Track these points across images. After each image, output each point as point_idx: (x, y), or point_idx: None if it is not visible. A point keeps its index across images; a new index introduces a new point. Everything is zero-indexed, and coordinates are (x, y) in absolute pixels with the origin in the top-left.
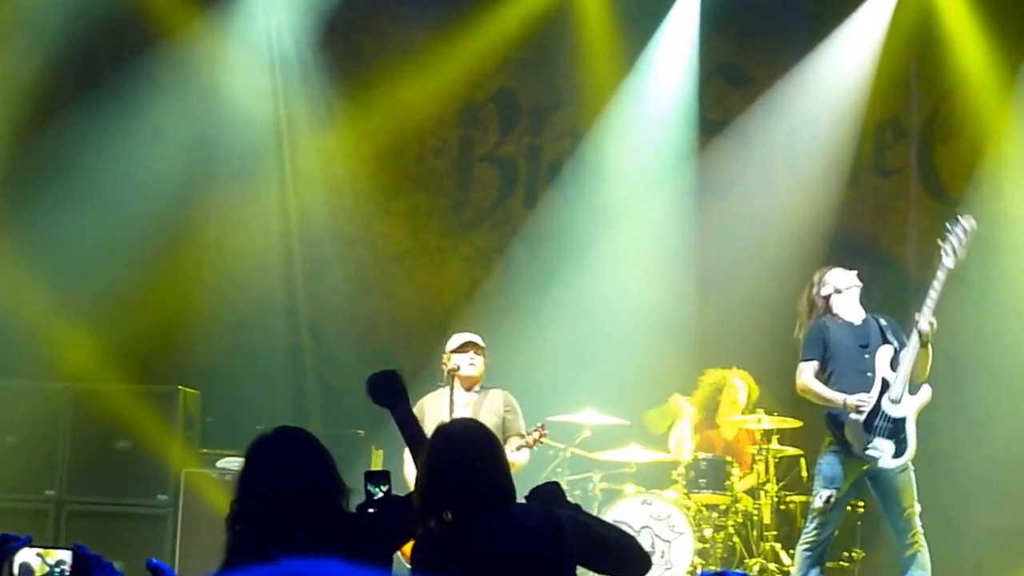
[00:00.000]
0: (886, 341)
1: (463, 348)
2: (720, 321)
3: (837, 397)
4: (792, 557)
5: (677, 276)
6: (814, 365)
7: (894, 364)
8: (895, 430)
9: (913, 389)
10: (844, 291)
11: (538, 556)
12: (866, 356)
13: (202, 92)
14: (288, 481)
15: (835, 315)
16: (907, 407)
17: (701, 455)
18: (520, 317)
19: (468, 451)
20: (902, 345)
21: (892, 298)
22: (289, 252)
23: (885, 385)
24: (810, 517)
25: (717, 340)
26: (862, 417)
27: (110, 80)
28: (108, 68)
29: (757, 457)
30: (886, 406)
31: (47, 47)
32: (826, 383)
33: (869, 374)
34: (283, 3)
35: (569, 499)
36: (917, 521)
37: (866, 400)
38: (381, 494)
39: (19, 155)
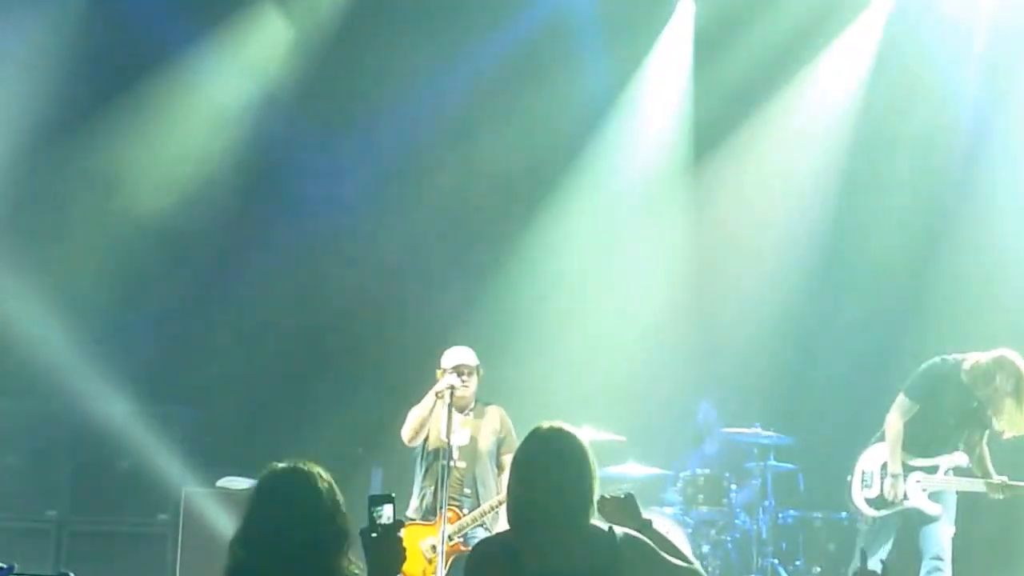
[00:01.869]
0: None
1: (457, 369)
2: (719, 336)
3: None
4: (790, 573)
5: (675, 291)
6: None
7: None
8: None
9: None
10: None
11: (597, 569)
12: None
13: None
14: (291, 524)
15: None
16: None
17: (699, 470)
18: (517, 332)
19: (558, 465)
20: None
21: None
22: (290, 270)
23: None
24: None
25: (716, 356)
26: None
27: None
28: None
29: (755, 472)
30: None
31: None
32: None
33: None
34: None
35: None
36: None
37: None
38: (385, 519)
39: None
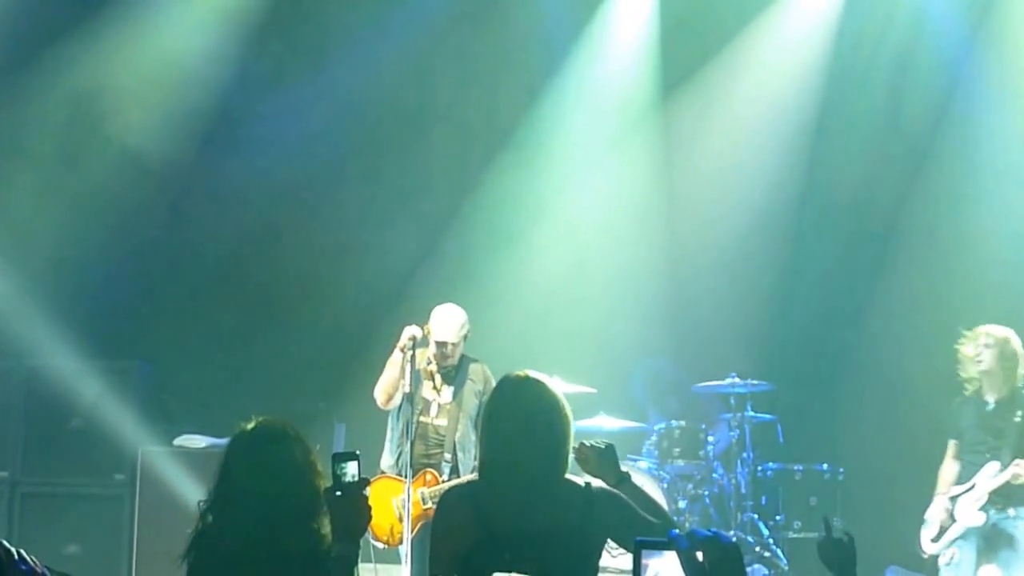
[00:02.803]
0: None
1: (437, 344)
2: (691, 282)
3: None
4: (770, 528)
5: (644, 236)
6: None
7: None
8: None
9: None
10: None
11: (560, 533)
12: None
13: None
14: (266, 486)
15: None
16: None
17: (675, 423)
18: (479, 283)
19: (530, 416)
20: None
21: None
22: (246, 218)
23: None
24: None
25: (688, 303)
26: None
27: None
28: None
29: (732, 424)
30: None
31: None
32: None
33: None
34: None
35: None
36: None
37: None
38: (350, 477)
39: None
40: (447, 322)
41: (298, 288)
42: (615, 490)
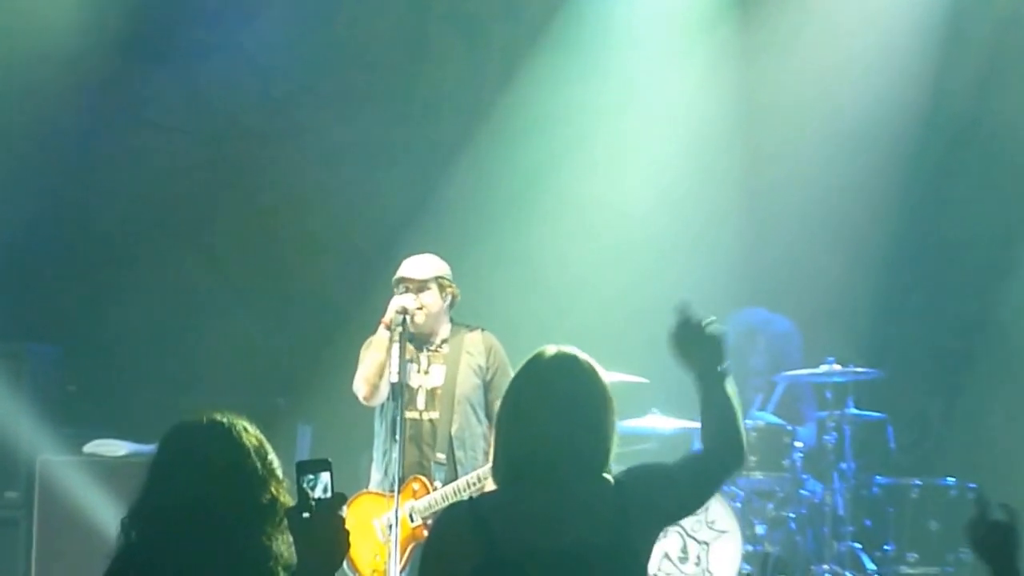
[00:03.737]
0: None
1: (402, 284)
2: (774, 240)
3: None
4: (877, 561)
5: (709, 179)
6: None
7: None
8: None
9: None
10: None
11: (589, 553)
12: None
13: None
14: (208, 495)
15: None
16: None
17: (752, 420)
18: (494, 235)
19: (569, 403)
20: None
21: None
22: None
23: None
24: None
25: (770, 267)
26: None
27: None
28: None
29: (828, 424)
30: None
31: None
32: None
33: None
34: None
35: None
36: None
37: None
38: (320, 492)
39: None
40: (411, 260)
41: (252, 250)
42: (651, 467)
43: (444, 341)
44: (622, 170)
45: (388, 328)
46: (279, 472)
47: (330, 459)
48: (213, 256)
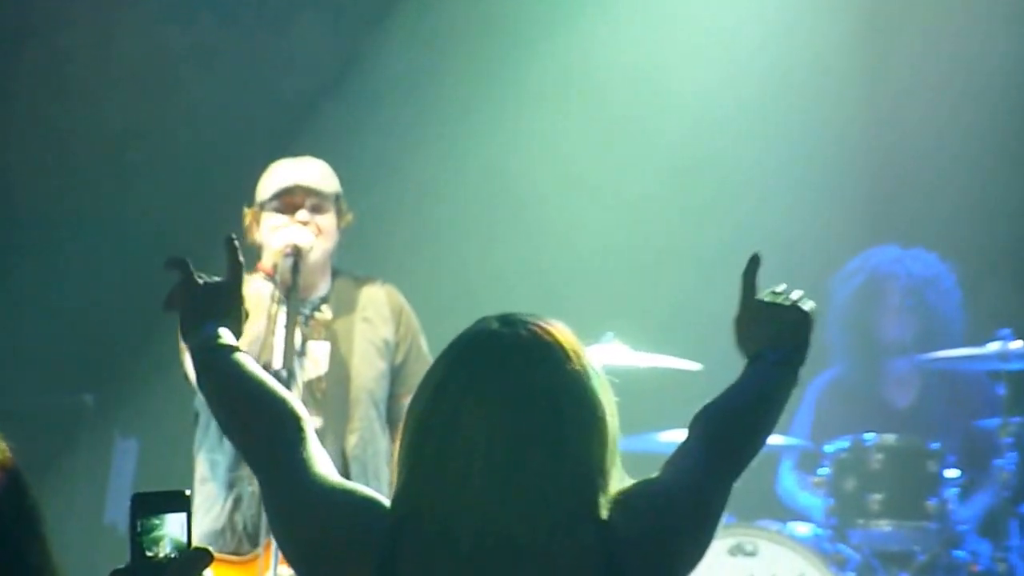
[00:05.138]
0: None
1: (286, 199)
2: (908, 168)
3: None
4: None
5: (752, 101)
6: None
7: None
8: None
9: None
10: None
11: None
12: None
13: None
14: None
15: None
16: None
17: (872, 437)
18: (463, 166)
19: (526, 432)
20: None
21: None
22: None
23: None
24: None
25: (905, 204)
26: None
27: None
28: None
29: (1001, 437)
30: None
31: None
32: None
33: None
34: None
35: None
36: None
37: None
38: (169, 549)
39: None
40: (304, 164)
41: (54, 174)
42: (653, 489)
43: (323, 300)
44: (656, 81)
45: (272, 277)
46: (26, 485)
47: (188, 491)
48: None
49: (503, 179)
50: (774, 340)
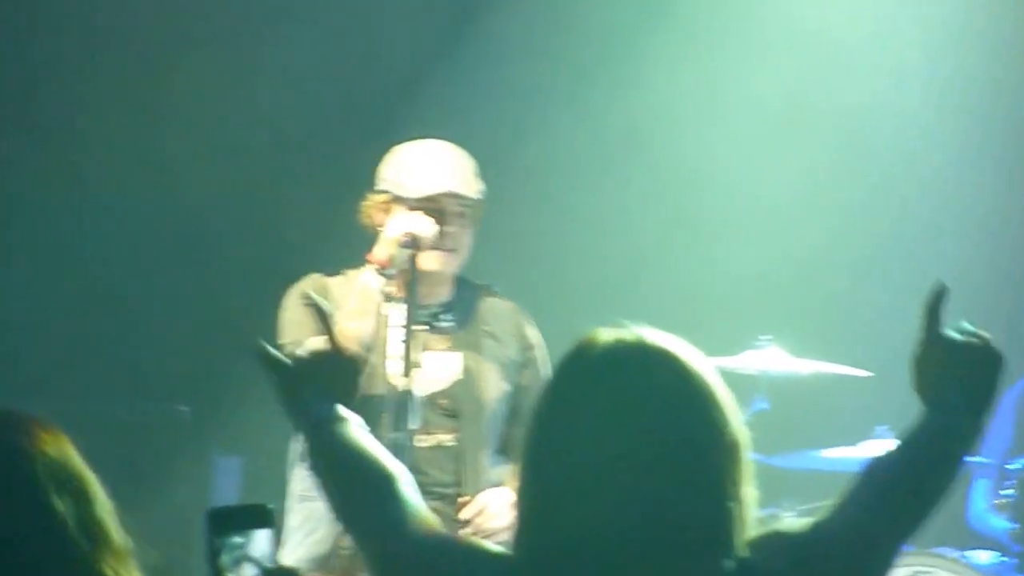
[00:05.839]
0: None
1: (432, 204)
2: None
3: None
4: None
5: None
6: None
7: None
8: None
9: None
10: None
11: None
12: None
13: None
14: None
15: None
16: None
17: None
18: (587, 173)
19: (650, 459)
20: None
21: None
22: None
23: None
24: None
25: None
26: None
27: None
28: None
29: None
30: None
31: None
32: None
33: None
34: None
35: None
36: None
37: None
38: (249, 566)
39: None
40: (439, 152)
41: (150, 189)
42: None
43: (446, 308)
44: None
45: (386, 271)
46: (107, 519)
47: (271, 505)
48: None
49: (644, 161)
50: (963, 385)
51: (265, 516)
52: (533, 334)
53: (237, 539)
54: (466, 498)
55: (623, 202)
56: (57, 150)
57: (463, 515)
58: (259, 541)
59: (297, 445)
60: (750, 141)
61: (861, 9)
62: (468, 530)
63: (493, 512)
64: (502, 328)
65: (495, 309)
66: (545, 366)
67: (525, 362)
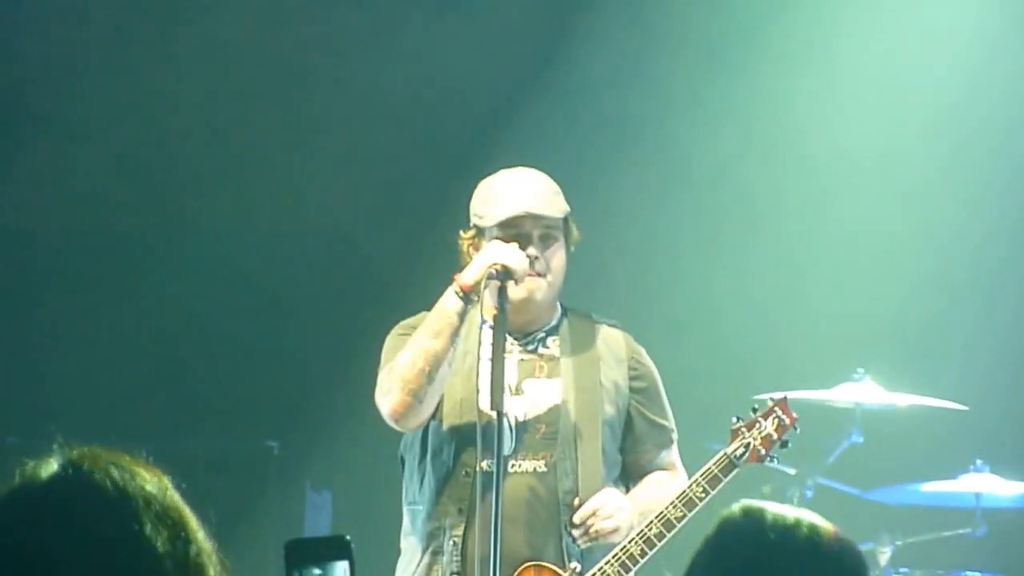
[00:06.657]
0: None
1: (512, 230)
2: None
3: None
4: None
5: None
6: None
7: None
8: None
9: None
10: None
11: None
12: None
13: None
14: None
15: None
16: None
17: None
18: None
19: None
20: None
21: None
22: None
23: None
24: None
25: None
26: None
27: None
28: None
29: None
30: None
31: None
32: None
33: None
34: None
35: None
36: None
37: None
38: None
39: None
40: (527, 179)
41: (231, 230)
42: None
43: (550, 334)
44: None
45: (468, 296)
46: (209, 555)
47: (348, 537)
48: (176, 244)
49: (736, 193)
50: None
51: (343, 548)
52: (644, 357)
53: (315, 571)
54: (576, 501)
55: (718, 234)
56: (168, 193)
57: (576, 518)
58: (337, 573)
59: (405, 480)
60: (845, 176)
61: (965, 35)
62: (579, 533)
63: (606, 513)
64: (612, 353)
65: (607, 337)
66: (659, 390)
67: (634, 386)
